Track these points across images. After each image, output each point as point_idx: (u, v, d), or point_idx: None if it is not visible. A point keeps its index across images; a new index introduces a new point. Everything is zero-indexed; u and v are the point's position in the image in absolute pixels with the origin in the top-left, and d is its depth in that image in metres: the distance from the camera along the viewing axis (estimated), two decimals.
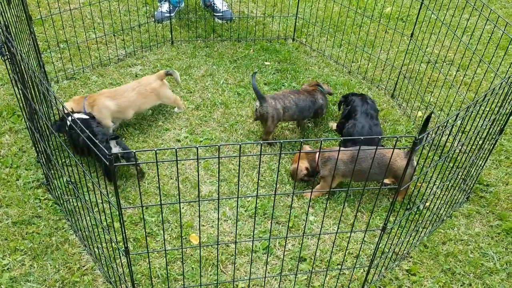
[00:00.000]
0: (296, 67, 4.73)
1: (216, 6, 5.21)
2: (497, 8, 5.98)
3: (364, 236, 2.83)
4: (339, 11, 5.38)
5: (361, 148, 3.01)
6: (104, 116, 3.72)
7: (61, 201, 3.23)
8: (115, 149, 3.26)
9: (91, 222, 2.87)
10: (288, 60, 4.81)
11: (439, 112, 4.22)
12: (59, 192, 3.19)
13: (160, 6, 5.14)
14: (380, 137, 2.04)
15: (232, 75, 4.59)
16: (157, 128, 3.99)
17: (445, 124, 2.34)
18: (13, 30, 3.04)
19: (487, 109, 2.93)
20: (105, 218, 2.53)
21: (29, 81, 2.89)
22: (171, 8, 5.10)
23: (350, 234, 2.68)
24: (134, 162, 3.09)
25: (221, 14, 5.20)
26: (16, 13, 3.27)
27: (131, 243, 3.14)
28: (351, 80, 4.65)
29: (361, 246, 3.07)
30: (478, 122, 3.15)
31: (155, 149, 1.95)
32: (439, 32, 4.59)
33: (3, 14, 2.77)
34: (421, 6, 4.08)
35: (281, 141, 2.09)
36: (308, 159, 3.48)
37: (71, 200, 3.07)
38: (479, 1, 3.50)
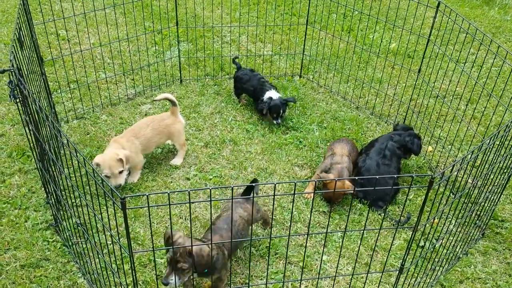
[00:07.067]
0: (304, 103, 4.74)
1: None
2: (502, 42, 6.02)
3: (381, 277, 2.75)
4: (346, 48, 5.43)
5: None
6: (137, 151, 3.76)
7: (70, 243, 3.19)
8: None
9: (100, 264, 2.82)
10: (296, 96, 4.83)
11: (450, 146, 4.18)
12: (67, 234, 3.14)
13: None
14: (395, 175, 2.00)
15: (241, 112, 4.60)
16: (167, 166, 3.98)
17: (460, 162, 2.31)
18: (25, 71, 3.07)
19: (497, 143, 2.89)
20: (115, 260, 2.48)
21: (40, 123, 2.90)
22: None
23: (367, 276, 2.61)
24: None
25: None
26: (28, 55, 3.32)
27: (140, 286, 3.07)
28: (359, 115, 4.65)
29: (378, 287, 2.99)
30: (493, 158, 3.11)
31: (168, 192, 1.93)
32: (447, 67, 4.61)
33: (15, 57, 2.80)
34: (428, 42, 4.11)
35: (295, 181, 2.06)
36: None
37: (80, 243, 3.02)
38: (485, 36, 3.52)
